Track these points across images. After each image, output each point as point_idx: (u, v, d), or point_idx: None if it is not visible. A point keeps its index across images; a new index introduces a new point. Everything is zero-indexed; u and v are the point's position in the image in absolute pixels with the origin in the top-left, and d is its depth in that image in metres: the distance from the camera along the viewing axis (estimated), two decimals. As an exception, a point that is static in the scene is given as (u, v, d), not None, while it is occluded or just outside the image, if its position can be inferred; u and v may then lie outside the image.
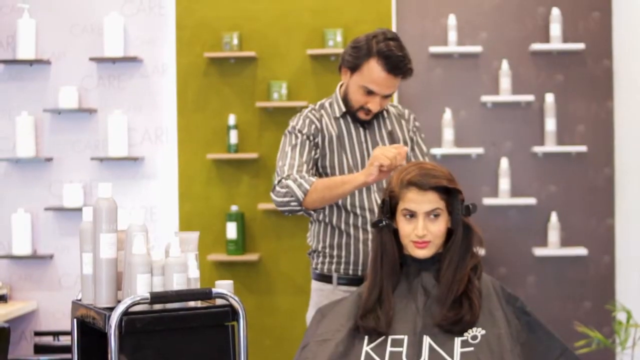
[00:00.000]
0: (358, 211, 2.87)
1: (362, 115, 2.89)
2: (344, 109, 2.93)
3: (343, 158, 2.90)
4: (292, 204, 2.76)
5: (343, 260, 2.90)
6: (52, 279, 4.84)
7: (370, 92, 2.84)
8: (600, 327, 4.61)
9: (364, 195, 2.88)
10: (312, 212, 2.90)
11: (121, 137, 4.73)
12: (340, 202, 2.87)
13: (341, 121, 2.94)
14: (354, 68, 2.85)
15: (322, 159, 2.91)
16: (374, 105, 2.85)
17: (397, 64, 2.79)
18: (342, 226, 2.88)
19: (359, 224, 2.87)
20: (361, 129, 2.94)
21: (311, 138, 2.89)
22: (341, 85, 2.99)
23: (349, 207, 2.88)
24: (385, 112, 3.00)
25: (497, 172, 4.78)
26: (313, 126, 2.90)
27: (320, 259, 2.95)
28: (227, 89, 4.83)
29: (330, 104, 2.97)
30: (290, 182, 2.76)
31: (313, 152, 2.88)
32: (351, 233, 2.88)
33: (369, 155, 2.90)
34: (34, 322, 4.83)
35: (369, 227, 2.84)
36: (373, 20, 4.77)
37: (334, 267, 2.92)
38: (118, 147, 4.73)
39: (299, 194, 2.74)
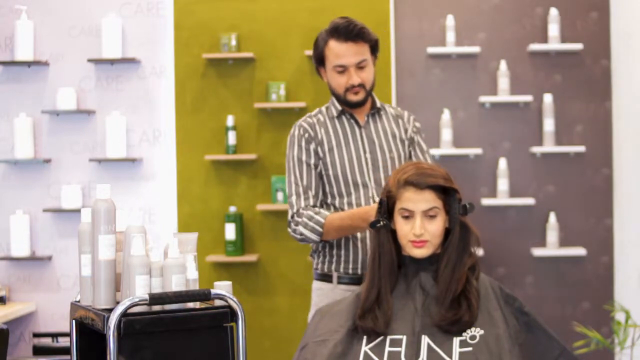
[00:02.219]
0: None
1: (352, 97, 2.96)
2: (340, 108, 3.01)
3: (336, 157, 2.95)
4: (315, 240, 2.91)
5: (342, 259, 2.93)
6: (50, 281, 4.84)
7: (342, 70, 2.94)
8: (598, 327, 4.62)
9: (360, 194, 2.92)
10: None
11: (119, 139, 4.73)
12: (337, 201, 2.93)
13: (337, 121, 3.01)
14: (320, 60, 2.99)
15: (323, 165, 2.97)
16: (353, 79, 2.93)
17: (347, 29, 2.93)
18: None
19: None
20: (356, 128, 3.00)
21: (309, 148, 2.97)
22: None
23: (346, 207, 2.92)
24: (382, 112, 3.06)
25: (496, 172, 4.78)
26: (306, 135, 2.98)
27: (321, 258, 2.99)
28: (226, 90, 4.83)
29: (327, 107, 3.07)
30: (302, 230, 2.89)
31: (313, 166, 2.96)
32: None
33: (364, 152, 2.97)
34: (32, 324, 4.83)
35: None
36: (371, 21, 4.75)
37: (334, 266, 2.95)
38: (116, 148, 4.73)
39: (314, 237, 2.88)
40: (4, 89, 4.86)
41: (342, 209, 2.91)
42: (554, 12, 4.74)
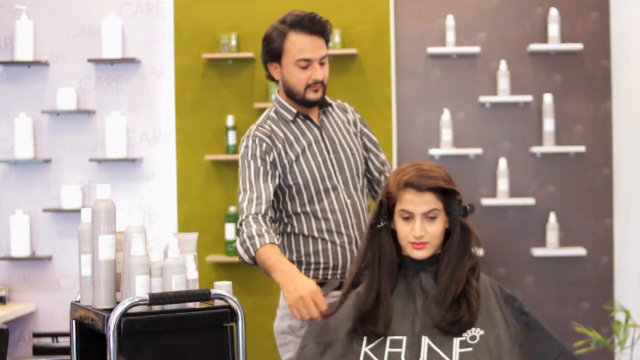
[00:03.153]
0: (329, 215, 2.77)
1: (311, 95, 2.78)
2: (294, 110, 2.82)
3: (303, 165, 2.78)
4: (244, 261, 2.69)
5: (322, 266, 2.78)
6: (50, 281, 4.84)
7: (306, 64, 2.76)
8: (598, 328, 4.61)
9: (332, 198, 2.79)
10: (275, 226, 2.82)
11: (119, 139, 4.73)
12: (308, 208, 2.77)
13: (293, 125, 2.82)
14: (278, 55, 2.79)
15: (284, 175, 2.78)
16: (316, 74, 2.76)
17: (312, 21, 2.76)
18: (315, 234, 2.77)
19: (332, 228, 2.77)
20: (315, 129, 2.84)
21: (266, 159, 2.76)
22: (278, 92, 2.89)
23: (319, 213, 2.78)
24: (329, 108, 2.91)
25: (496, 172, 4.78)
26: (264, 144, 2.76)
27: (300, 267, 2.81)
28: (225, 90, 4.83)
29: (277, 112, 2.85)
30: (238, 245, 2.66)
31: (270, 176, 2.75)
32: (326, 238, 2.77)
33: (328, 153, 2.81)
34: (32, 324, 4.83)
35: (342, 229, 2.77)
36: (371, 21, 4.78)
37: (312, 273, 2.79)
38: (116, 148, 4.73)
39: (245, 259, 2.66)
40: (4, 89, 4.86)
41: (317, 217, 2.77)
42: (554, 12, 4.74)
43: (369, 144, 2.96)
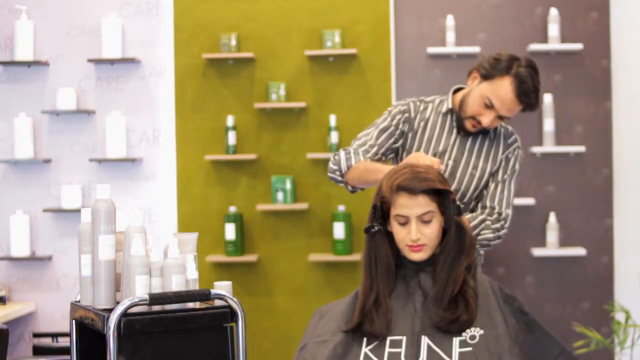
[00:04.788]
0: None
1: (469, 125, 2.93)
2: (450, 107, 3.01)
3: (423, 144, 2.96)
4: (337, 173, 2.95)
5: None
6: (50, 281, 4.84)
7: (489, 106, 2.88)
8: (598, 328, 4.61)
9: None
10: (351, 190, 2.99)
11: (119, 139, 4.73)
12: None
13: (441, 118, 3.01)
14: (487, 76, 2.91)
15: (403, 148, 3.00)
16: (486, 119, 2.89)
17: (527, 92, 2.84)
18: None
19: None
20: (455, 131, 2.99)
21: (399, 126, 2.98)
22: (456, 90, 3.06)
23: None
24: (489, 133, 3.01)
25: (496, 172, 4.78)
26: (406, 115, 3.00)
27: None
28: (225, 90, 4.83)
29: (441, 101, 3.06)
30: (342, 153, 2.92)
31: (392, 140, 2.98)
32: None
33: (449, 158, 2.96)
34: (32, 324, 4.83)
35: None
36: (371, 21, 4.78)
37: None
38: (116, 148, 4.73)
39: (343, 166, 2.92)
40: (4, 89, 4.86)
41: None
42: (554, 12, 4.74)
43: (490, 183, 3.00)
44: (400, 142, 3.01)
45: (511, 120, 3.00)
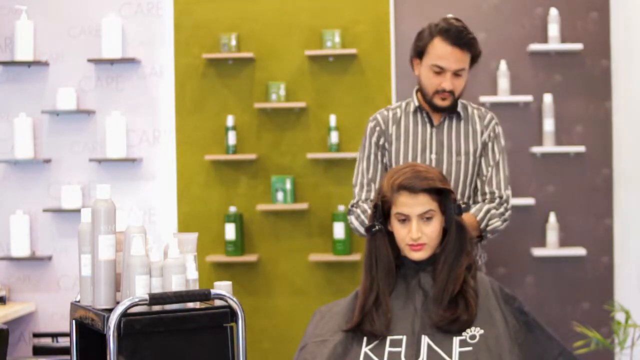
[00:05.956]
0: None
1: (438, 101, 2.97)
2: (417, 104, 3.05)
3: (401, 148, 3.01)
4: (359, 234, 3.02)
5: None
6: (50, 281, 4.84)
7: (439, 71, 2.93)
8: (598, 328, 4.61)
9: None
10: None
11: (119, 139, 4.73)
12: None
13: (411, 117, 3.05)
14: (421, 52, 2.98)
15: (387, 155, 3.06)
16: (446, 83, 2.93)
17: (458, 35, 2.92)
18: None
19: None
20: (428, 127, 3.03)
21: (379, 143, 3.05)
22: (418, 90, 3.10)
23: None
24: (461, 114, 3.06)
25: (496, 172, 4.78)
26: (377, 129, 3.06)
27: None
28: (225, 90, 4.83)
29: (407, 103, 3.12)
30: (353, 220, 3.00)
31: (380, 158, 3.04)
32: None
33: (430, 152, 3.00)
34: (32, 324, 4.83)
35: None
36: (371, 21, 4.78)
37: None
38: (116, 148, 4.73)
39: (361, 230, 2.96)
40: (4, 89, 4.86)
41: None
42: (554, 12, 4.74)
43: (482, 163, 3.05)
44: (386, 155, 3.06)
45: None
